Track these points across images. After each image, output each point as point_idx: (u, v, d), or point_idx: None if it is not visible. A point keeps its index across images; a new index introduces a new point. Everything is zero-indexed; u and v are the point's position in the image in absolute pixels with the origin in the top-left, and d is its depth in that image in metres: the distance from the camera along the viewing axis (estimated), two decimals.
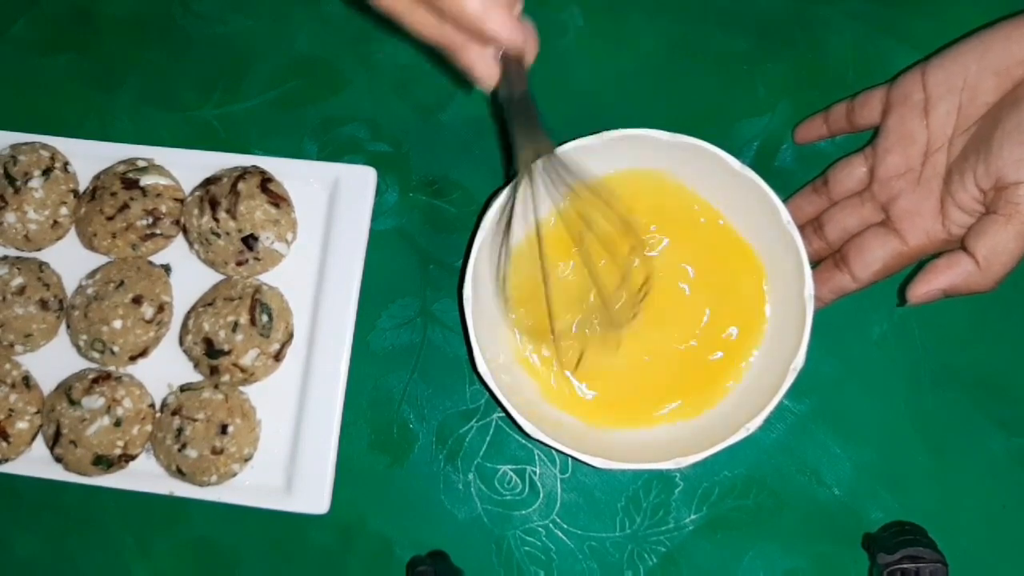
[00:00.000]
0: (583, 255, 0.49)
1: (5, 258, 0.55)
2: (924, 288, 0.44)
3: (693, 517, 0.51)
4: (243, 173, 0.53)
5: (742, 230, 0.50)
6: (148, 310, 0.53)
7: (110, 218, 0.54)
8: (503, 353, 0.50)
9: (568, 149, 0.47)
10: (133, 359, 0.54)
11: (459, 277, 0.54)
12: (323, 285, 0.54)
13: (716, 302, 0.50)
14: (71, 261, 0.56)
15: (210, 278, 0.55)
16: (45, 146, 0.56)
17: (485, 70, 0.41)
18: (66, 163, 0.56)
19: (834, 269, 0.49)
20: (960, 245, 0.45)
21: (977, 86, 0.45)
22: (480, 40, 0.40)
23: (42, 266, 0.55)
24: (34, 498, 0.55)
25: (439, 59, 0.41)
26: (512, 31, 0.38)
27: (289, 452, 0.53)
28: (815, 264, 0.50)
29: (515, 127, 0.43)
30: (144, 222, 0.54)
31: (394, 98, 0.58)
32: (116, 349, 0.53)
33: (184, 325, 0.54)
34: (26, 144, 0.56)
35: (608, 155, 0.49)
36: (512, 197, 0.46)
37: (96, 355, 0.53)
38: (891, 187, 0.48)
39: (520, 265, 0.50)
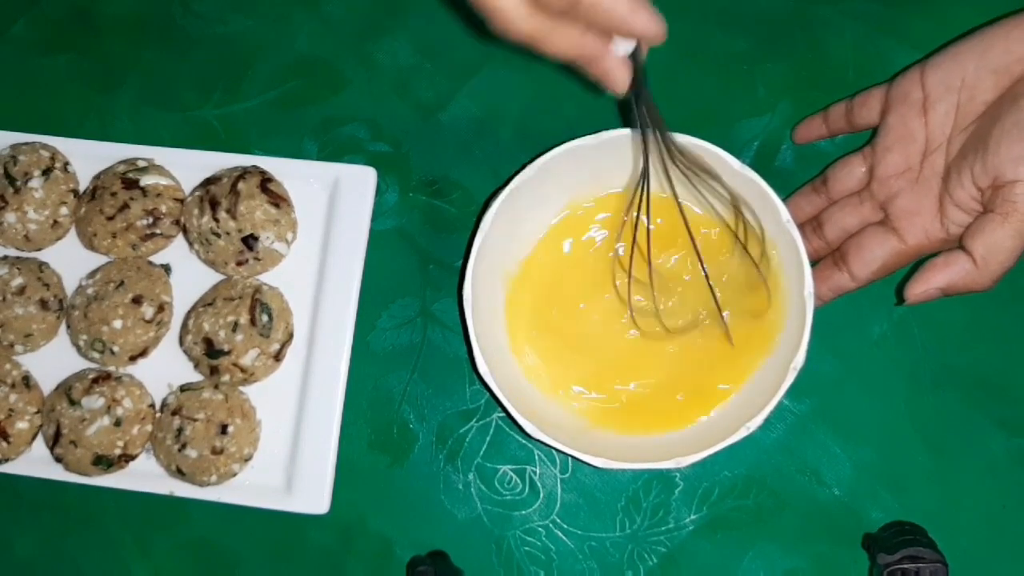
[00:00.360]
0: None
1: (5, 258, 0.55)
2: (922, 287, 0.44)
3: (693, 517, 0.51)
4: (243, 173, 0.53)
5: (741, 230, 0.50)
6: (148, 310, 0.53)
7: (110, 218, 0.54)
8: (503, 353, 0.50)
9: (564, 149, 0.47)
10: (133, 359, 0.54)
11: (459, 277, 0.54)
12: (323, 285, 0.54)
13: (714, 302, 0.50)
14: (71, 261, 0.56)
15: (210, 278, 0.55)
16: (45, 146, 0.56)
17: (621, 75, 0.41)
18: (66, 163, 0.56)
19: (833, 268, 0.49)
20: (958, 244, 0.45)
21: (976, 85, 0.45)
22: (630, 37, 0.40)
23: (42, 266, 0.55)
24: (34, 498, 0.55)
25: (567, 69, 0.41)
26: (658, 26, 0.39)
27: (289, 452, 0.53)
28: (814, 263, 0.50)
29: (644, 124, 0.44)
30: (144, 222, 0.54)
31: (394, 98, 0.58)
32: (116, 349, 0.53)
33: (184, 325, 0.54)
34: (26, 144, 0.56)
35: (607, 155, 0.49)
36: (642, 187, 0.47)
37: (96, 355, 0.53)
38: (890, 186, 0.48)
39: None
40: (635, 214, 0.48)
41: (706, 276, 0.48)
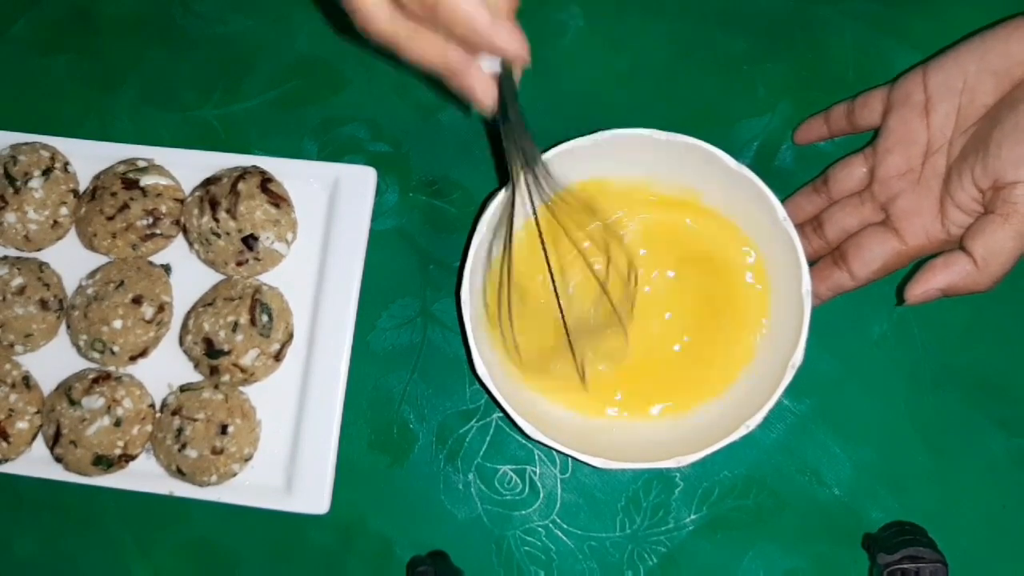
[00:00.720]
0: (564, 265, 0.49)
1: (5, 258, 0.55)
2: (921, 288, 0.44)
3: (693, 517, 0.51)
4: (243, 173, 0.53)
5: (740, 228, 0.50)
6: (148, 310, 0.53)
7: (110, 218, 0.54)
8: (501, 354, 0.50)
9: (563, 149, 0.47)
10: (133, 359, 0.54)
11: (458, 277, 0.54)
12: (323, 285, 0.54)
13: (714, 300, 0.51)
14: (71, 261, 0.56)
15: (210, 278, 0.55)
16: (45, 146, 0.56)
17: (485, 91, 0.40)
18: (66, 163, 0.56)
19: (833, 267, 0.49)
20: (958, 245, 0.45)
21: (976, 87, 0.45)
22: (489, 53, 0.39)
23: (42, 266, 0.55)
24: (34, 498, 0.55)
25: (434, 80, 0.41)
26: (520, 44, 0.38)
27: (289, 452, 0.53)
28: (813, 262, 0.50)
29: (510, 145, 0.42)
30: (144, 222, 0.54)
31: (394, 98, 0.58)
32: (116, 349, 0.53)
33: (184, 325, 0.54)
34: (26, 144, 0.56)
35: (605, 155, 0.49)
36: (507, 210, 0.46)
37: (96, 355, 0.53)
38: (891, 187, 0.48)
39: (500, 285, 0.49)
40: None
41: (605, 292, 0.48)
